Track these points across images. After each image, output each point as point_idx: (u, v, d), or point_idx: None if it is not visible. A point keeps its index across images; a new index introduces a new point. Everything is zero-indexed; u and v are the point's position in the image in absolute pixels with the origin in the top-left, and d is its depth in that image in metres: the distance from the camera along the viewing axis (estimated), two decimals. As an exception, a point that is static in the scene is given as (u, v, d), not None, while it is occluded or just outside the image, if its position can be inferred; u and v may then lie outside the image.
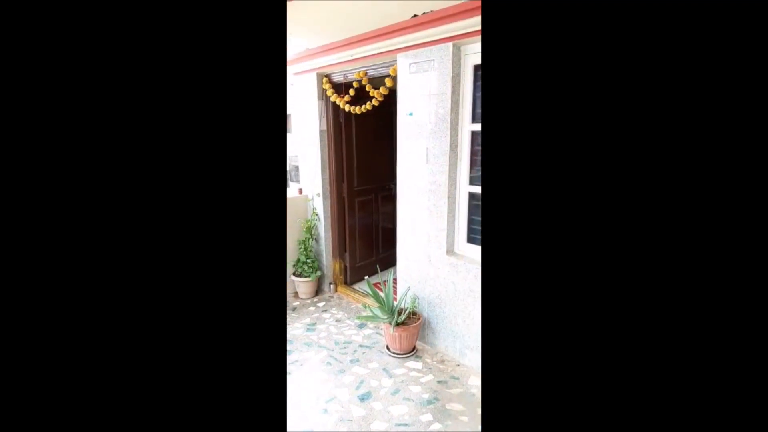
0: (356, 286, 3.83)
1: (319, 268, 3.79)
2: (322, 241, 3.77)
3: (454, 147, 2.48)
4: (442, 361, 2.66)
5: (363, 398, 2.31)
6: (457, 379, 2.47)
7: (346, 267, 3.88)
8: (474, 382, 2.43)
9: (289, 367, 2.61)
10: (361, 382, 2.46)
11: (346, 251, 3.82)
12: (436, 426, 2.07)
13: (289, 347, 2.83)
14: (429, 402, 2.27)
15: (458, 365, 2.61)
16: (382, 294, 2.74)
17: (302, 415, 2.15)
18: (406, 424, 2.09)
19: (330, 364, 2.66)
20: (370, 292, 2.74)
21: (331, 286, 3.85)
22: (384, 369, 2.60)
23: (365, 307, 2.81)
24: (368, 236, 3.97)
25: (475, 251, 2.54)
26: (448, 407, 2.22)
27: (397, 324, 2.65)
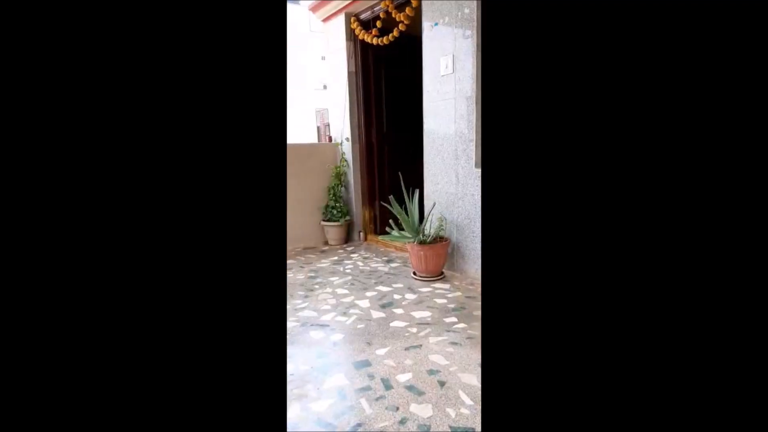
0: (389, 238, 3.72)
1: (348, 214, 3.72)
2: (351, 188, 3.72)
3: (480, 47, 2.34)
4: (472, 284, 2.48)
5: (384, 306, 2.19)
6: (488, 295, 2.29)
7: (376, 215, 3.79)
8: (506, 297, 2.24)
9: (313, 286, 2.54)
10: (384, 295, 2.34)
11: (376, 199, 3.74)
12: (461, 326, 1.91)
13: (313, 275, 2.77)
14: (455, 309, 2.10)
15: (489, 286, 2.42)
16: (409, 207, 2.62)
17: (322, 320, 2.06)
18: (428, 324, 1.94)
19: (353, 284, 2.56)
20: (393, 209, 2.62)
21: (361, 234, 3.77)
22: (409, 288, 2.46)
23: (391, 229, 2.70)
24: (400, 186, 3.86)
25: (506, 160, 2.37)
26: (475, 313, 2.05)
27: (423, 242, 2.51)
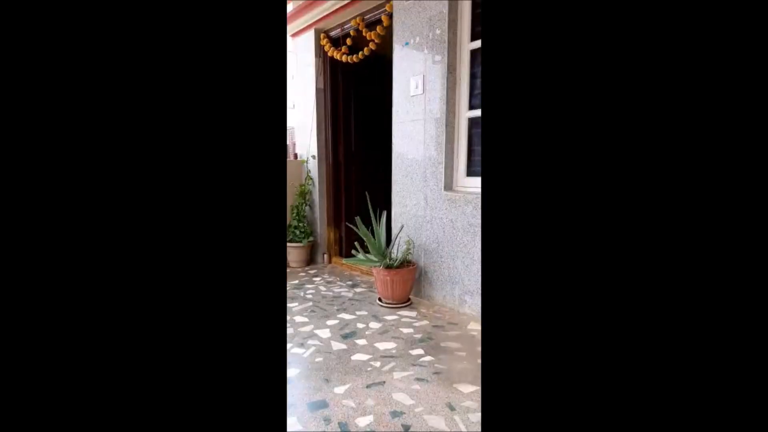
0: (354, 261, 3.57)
1: (312, 235, 3.56)
2: (317, 208, 3.56)
3: (452, 69, 2.30)
4: (440, 311, 2.36)
5: (346, 336, 2.02)
6: (456, 324, 2.17)
7: (341, 237, 3.64)
8: (474, 327, 2.13)
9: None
10: (346, 324, 2.18)
11: (342, 220, 3.59)
12: (428, 359, 1.77)
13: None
14: (421, 340, 1.97)
15: (457, 313, 2.32)
16: (376, 228, 2.50)
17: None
18: (392, 356, 1.80)
19: (314, 311, 2.38)
20: (359, 230, 2.49)
21: (325, 256, 3.60)
22: (374, 315, 2.31)
23: (356, 251, 2.56)
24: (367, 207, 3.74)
25: (477, 183, 2.31)
26: (443, 345, 1.92)
27: (390, 267, 2.39)
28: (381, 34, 2.81)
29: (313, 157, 3.51)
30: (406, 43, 2.52)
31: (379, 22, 2.79)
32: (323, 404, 1.43)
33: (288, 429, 1.29)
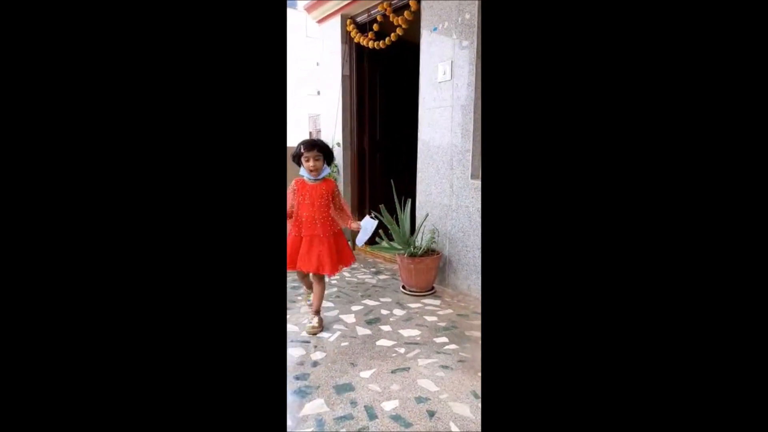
0: (377, 249, 3.59)
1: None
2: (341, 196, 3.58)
3: (481, 54, 2.25)
4: (464, 300, 2.35)
5: (371, 322, 2.05)
6: (480, 313, 2.16)
7: (365, 224, 3.65)
8: (499, 316, 2.11)
9: (295, 298, 2.39)
10: (371, 310, 2.20)
11: (366, 207, 3.61)
12: (452, 347, 1.78)
13: (296, 286, 2.61)
14: (446, 329, 1.97)
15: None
16: (400, 216, 2.50)
17: (303, 336, 1.91)
18: (416, 343, 1.81)
19: (339, 297, 2.42)
20: (383, 218, 2.50)
21: (349, 243, 3.62)
22: (397, 302, 2.33)
23: (380, 239, 2.57)
24: (391, 195, 3.74)
25: (504, 172, 2.27)
26: (467, 333, 1.92)
27: (414, 255, 2.39)
28: (408, 19, 2.77)
29: (338, 144, 3.51)
30: (435, 28, 2.47)
31: (406, 6, 2.74)
32: (349, 387, 1.46)
33: (315, 410, 1.33)
